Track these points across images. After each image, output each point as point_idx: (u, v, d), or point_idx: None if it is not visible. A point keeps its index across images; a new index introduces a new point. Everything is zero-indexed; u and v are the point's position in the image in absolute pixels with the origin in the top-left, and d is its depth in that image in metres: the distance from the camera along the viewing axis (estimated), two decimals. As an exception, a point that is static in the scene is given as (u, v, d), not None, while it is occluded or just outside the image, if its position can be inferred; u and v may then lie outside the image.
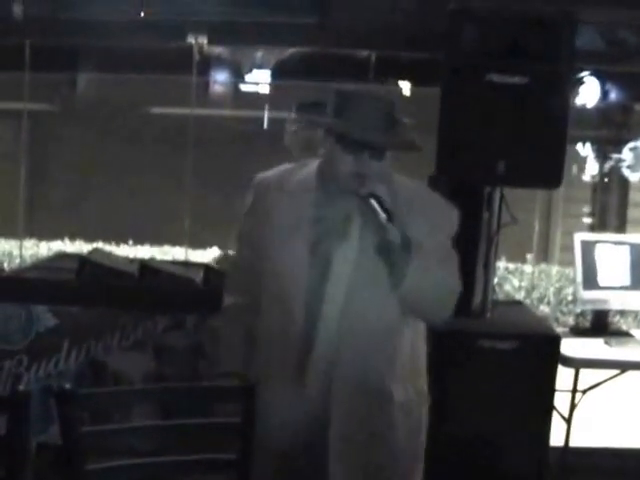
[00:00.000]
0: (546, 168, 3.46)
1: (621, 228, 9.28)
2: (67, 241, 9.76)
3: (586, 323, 4.58)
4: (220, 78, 7.31)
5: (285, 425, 2.42)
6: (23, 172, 8.70)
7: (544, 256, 10.42)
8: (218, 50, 6.79)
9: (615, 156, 8.90)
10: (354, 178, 2.33)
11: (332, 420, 2.41)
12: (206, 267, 3.84)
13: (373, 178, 2.32)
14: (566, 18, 3.45)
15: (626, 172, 8.88)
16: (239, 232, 2.63)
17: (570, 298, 8.70)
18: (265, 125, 9.07)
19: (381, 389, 2.44)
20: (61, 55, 6.29)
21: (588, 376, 3.88)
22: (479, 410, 3.41)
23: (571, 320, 8.39)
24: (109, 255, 4.05)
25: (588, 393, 3.92)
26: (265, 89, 7.65)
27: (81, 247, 9.05)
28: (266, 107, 8.93)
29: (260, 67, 6.89)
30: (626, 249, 4.12)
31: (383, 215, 2.26)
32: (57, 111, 9.80)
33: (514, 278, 9.37)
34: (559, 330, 3.97)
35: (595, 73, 5.98)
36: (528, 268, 9.70)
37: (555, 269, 9.71)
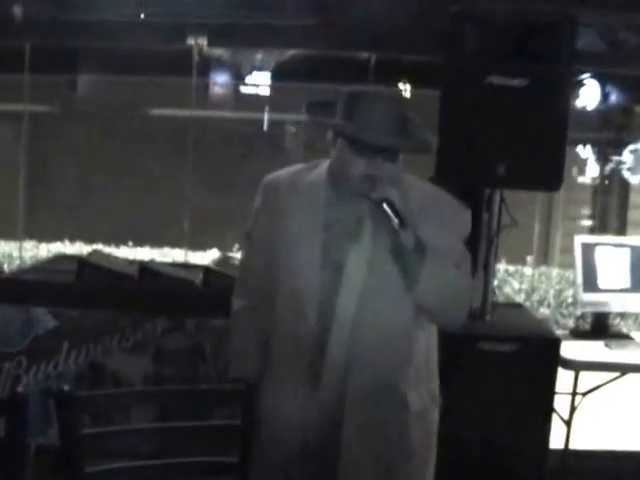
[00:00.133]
0: (546, 170, 3.45)
1: (621, 230, 9.27)
2: (67, 243, 9.76)
3: (586, 326, 4.57)
4: (220, 80, 7.32)
5: (298, 428, 2.39)
6: (23, 173, 8.71)
7: (544, 258, 10.41)
8: (218, 52, 6.79)
9: (615, 158, 8.90)
10: (366, 181, 2.28)
11: (345, 424, 2.38)
12: (206, 269, 3.84)
13: (385, 181, 2.28)
14: (566, 20, 3.45)
15: (626, 174, 8.88)
16: (248, 233, 2.56)
17: (570, 300, 8.70)
18: (265, 127, 9.07)
19: (396, 396, 2.41)
20: (61, 57, 6.30)
21: (588, 379, 3.87)
22: (479, 412, 3.41)
23: (571, 323, 8.38)
24: (108, 257, 4.05)
25: (588, 396, 3.91)
26: (265, 91, 7.65)
27: (81, 249, 9.05)
28: (266, 109, 8.93)
29: (260, 69, 6.89)
30: (626, 251, 4.12)
31: (396, 221, 2.23)
32: (57, 113, 9.79)
33: (514, 280, 9.37)
34: (559, 333, 3.97)
35: (596, 75, 5.99)
36: (528, 270, 9.70)
37: (555, 271, 9.71)
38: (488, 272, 3.64)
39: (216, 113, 9.00)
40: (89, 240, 9.33)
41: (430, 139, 2.38)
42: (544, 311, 8.86)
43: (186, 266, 4.42)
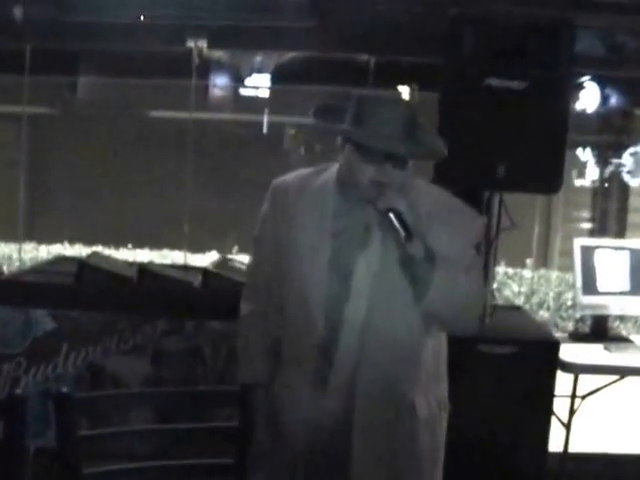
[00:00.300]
0: (546, 173, 3.46)
1: (621, 233, 9.26)
2: (66, 244, 9.76)
3: (585, 328, 4.57)
4: (220, 82, 7.31)
5: (306, 433, 2.39)
6: (23, 175, 8.71)
7: (543, 261, 10.41)
8: (218, 54, 6.79)
9: (615, 161, 8.90)
10: (374, 187, 2.26)
11: (354, 429, 2.37)
12: (205, 271, 3.84)
13: (393, 188, 2.25)
14: (566, 23, 3.45)
15: (626, 177, 8.88)
16: (256, 237, 2.53)
17: (569, 303, 8.70)
18: (265, 129, 9.06)
19: (404, 402, 2.39)
20: (61, 59, 6.30)
21: (587, 382, 3.87)
22: (478, 415, 3.41)
23: (570, 325, 8.37)
24: (108, 259, 4.05)
25: (587, 399, 3.91)
26: (265, 93, 7.64)
27: (80, 251, 9.05)
28: (266, 111, 8.93)
29: (260, 71, 6.88)
30: (626, 254, 4.12)
31: (402, 233, 2.20)
32: (57, 115, 9.78)
33: (513, 283, 9.37)
34: (558, 335, 3.97)
35: (595, 78, 5.98)
36: (527, 273, 9.70)
37: (555, 274, 9.71)
38: (487, 275, 3.64)
39: (216, 115, 9.00)
40: (89, 242, 9.33)
41: (441, 146, 2.35)
42: (543, 314, 8.86)
43: (185, 268, 4.42)
